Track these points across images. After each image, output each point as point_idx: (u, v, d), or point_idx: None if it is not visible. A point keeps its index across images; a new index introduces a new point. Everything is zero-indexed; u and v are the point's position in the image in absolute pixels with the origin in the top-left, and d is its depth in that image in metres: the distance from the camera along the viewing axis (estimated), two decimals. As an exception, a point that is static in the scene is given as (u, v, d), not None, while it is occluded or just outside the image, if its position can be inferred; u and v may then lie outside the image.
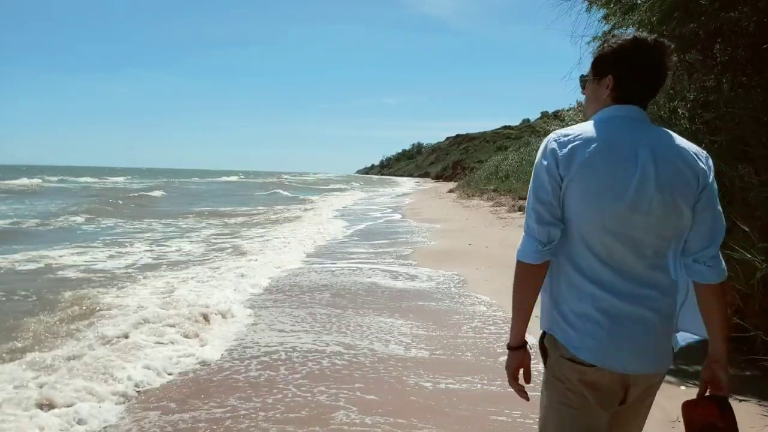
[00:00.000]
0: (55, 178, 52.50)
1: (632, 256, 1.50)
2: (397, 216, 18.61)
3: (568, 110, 18.25)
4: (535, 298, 1.59)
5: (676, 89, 5.01)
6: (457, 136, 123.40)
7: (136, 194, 28.13)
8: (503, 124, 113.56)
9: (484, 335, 5.24)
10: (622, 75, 1.57)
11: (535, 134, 45.99)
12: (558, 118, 18.76)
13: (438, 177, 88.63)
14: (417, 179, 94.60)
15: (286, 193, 36.90)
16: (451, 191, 34.50)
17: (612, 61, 1.59)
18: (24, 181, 41.77)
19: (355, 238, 12.27)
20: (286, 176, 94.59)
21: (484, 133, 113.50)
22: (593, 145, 1.50)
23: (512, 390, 1.65)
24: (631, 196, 1.46)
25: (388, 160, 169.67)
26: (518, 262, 1.56)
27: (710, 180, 1.54)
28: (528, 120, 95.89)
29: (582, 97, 1.78)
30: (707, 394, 1.62)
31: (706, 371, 1.63)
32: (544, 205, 1.53)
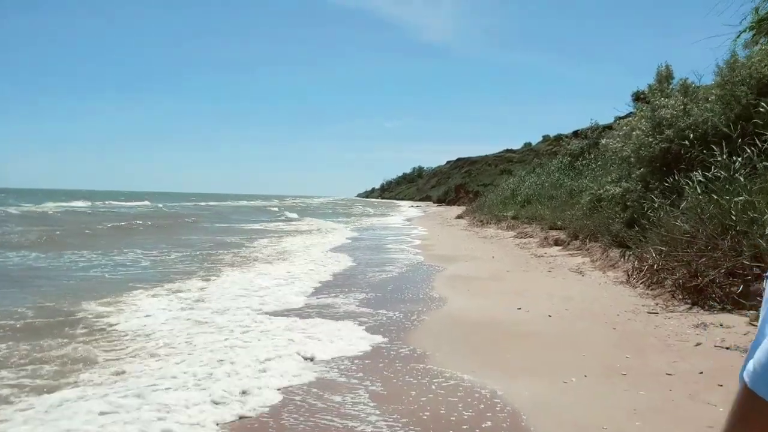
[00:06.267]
0: (142, 203, 52.84)
1: None
2: (400, 248, 14.62)
3: (622, 118, 14.50)
4: None
5: None
6: (459, 159, 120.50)
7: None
8: (505, 148, 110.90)
9: None
10: None
11: (541, 157, 42.64)
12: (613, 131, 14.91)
13: (440, 201, 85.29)
14: (418, 203, 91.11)
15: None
16: (459, 217, 30.60)
17: None
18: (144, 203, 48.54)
19: (331, 292, 8.31)
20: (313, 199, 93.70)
21: (486, 156, 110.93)
22: None
23: None
24: None
25: (389, 183, 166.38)
26: (749, 392, 0.70)
27: None
28: (530, 144, 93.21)
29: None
30: None
31: None
32: None
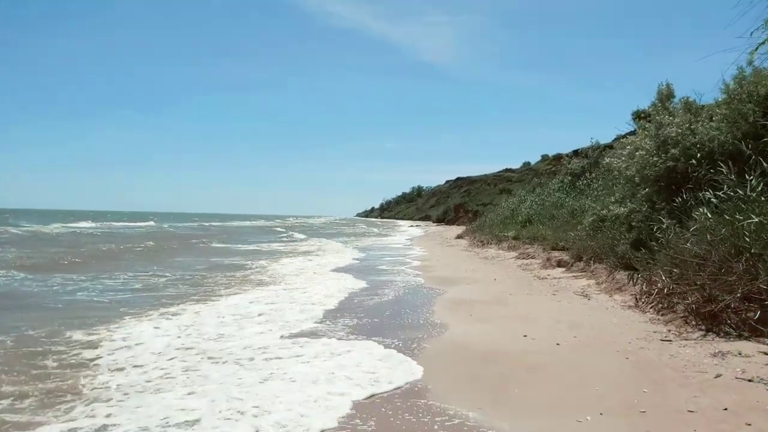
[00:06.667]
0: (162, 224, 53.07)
1: None
2: (400, 269, 14.30)
3: (624, 136, 14.31)
4: None
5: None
6: (458, 179, 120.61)
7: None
8: (504, 167, 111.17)
9: None
10: None
11: (540, 176, 42.51)
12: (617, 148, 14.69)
13: (439, 220, 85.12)
14: (418, 222, 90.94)
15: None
16: (459, 237, 30.31)
17: None
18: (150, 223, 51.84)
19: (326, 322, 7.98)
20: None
21: (485, 176, 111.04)
22: None
23: None
24: None
25: (388, 203, 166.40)
26: None
27: None
28: (529, 163, 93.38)
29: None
30: None
31: None
32: None
